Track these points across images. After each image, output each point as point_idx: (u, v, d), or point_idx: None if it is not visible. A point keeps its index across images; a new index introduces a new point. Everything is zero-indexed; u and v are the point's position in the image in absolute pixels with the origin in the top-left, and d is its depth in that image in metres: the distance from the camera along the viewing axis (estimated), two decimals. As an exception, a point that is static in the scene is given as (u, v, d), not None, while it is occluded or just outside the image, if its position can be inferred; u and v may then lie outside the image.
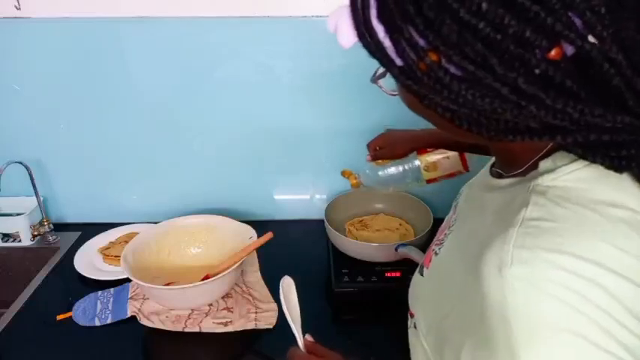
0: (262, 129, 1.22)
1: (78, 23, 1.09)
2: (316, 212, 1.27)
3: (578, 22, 0.34)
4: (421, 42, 0.38)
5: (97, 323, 0.97)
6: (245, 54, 1.13)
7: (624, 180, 0.42)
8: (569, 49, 0.35)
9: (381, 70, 0.51)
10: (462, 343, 0.44)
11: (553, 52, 0.35)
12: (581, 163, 0.43)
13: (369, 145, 1.03)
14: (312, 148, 1.25)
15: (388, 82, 0.52)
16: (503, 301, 0.39)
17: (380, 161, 1.03)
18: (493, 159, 0.58)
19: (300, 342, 0.71)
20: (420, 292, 0.60)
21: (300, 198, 1.33)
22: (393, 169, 1.01)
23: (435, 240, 0.64)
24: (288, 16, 1.09)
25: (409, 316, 0.63)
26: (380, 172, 1.02)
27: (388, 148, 1.00)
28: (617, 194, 0.41)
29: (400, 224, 1.23)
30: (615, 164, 0.40)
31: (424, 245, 1.09)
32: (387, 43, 0.40)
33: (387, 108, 1.20)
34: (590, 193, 0.41)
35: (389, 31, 0.40)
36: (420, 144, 0.98)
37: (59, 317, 0.99)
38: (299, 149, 1.26)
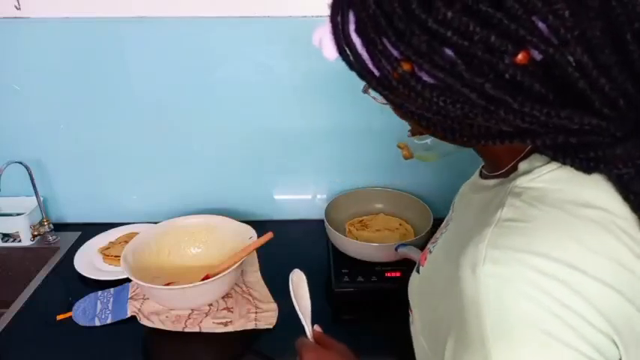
0: (262, 129, 1.22)
1: (78, 23, 1.09)
2: (316, 212, 1.27)
3: (542, 26, 0.35)
4: (394, 52, 0.40)
5: (97, 323, 0.97)
6: (245, 54, 1.13)
7: (599, 180, 0.42)
8: (536, 54, 0.36)
9: None
10: (446, 339, 0.45)
11: (520, 57, 0.36)
12: (555, 165, 0.44)
13: None
14: (312, 148, 1.25)
15: None
16: (476, 298, 0.40)
17: (418, 135, 1.03)
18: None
19: (309, 333, 0.72)
20: (416, 289, 0.61)
21: (300, 198, 1.33)
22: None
23: (432, 238, 0.65)
24: (288, 16, 1.09)
25: (410, 313, 0.64)
26: (428, 142, 1.02)
27: None
28: (590, 194, 0.42)
29: (400, 224, 1.23)
30: (584, 165, 0.41)
31: (424, 245, 1.09)
32: (364, 55, 0.42)
33: (388, 108, 1.20)
34: (563, 194, 0.42)
35: (365, 43, 0.41)
36: None
37: (59, 317, 0.99)
38: (299, 149, 1.25)
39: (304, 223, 1.32)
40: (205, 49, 1.13)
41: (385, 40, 0.40)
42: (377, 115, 1.20)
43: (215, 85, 1.16)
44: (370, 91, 0.55)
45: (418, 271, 0.61)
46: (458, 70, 0.37)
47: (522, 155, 0.47)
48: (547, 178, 0.44)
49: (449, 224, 0.61)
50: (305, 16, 1.09)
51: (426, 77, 0.39)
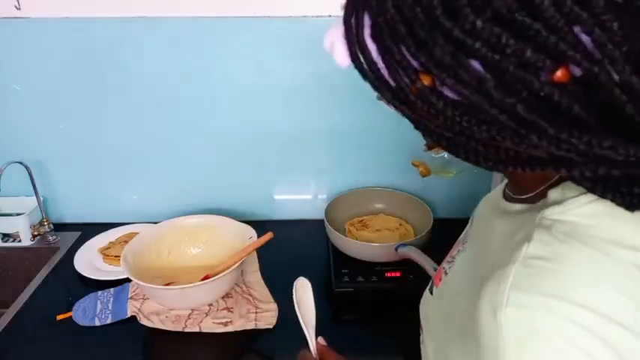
0: (262, 129, 1.22)
1: (78, 23, 1.09)
2: (316, 212, 1.27)
3: (585, 39, 0.30)
4: (413, 63, 0.35)
5: (97, 323, 0.97)
6: (245, 54, 1.13)
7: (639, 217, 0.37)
8: (577, 70, 0.31)
9: None
10: None
11: (559, 74, 0.31)
12: (591, 196, 0.39)
13: None
14: (312, 148, 1.25)
15: None
16: (495, 344, 0.37)
17: (437, 149, 1.02)
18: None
19: (312, 346, 0.70)
20: (429, 311, 0.58)
21: (300, 198, 1.33)
22: None
23: (447, 256, 0.61)
24: (288, 16, 1.09)
25: (420, 331, 0.61)
26: (446, 156, 1.01)
27: None
28: (630, 234, 0.37)
29: (400, 224, 1.23)
30: (627, 201, 0.36)
31: (424, 245, 1.10)
32: (380, 63, 0.37)
33: (388, 107, 1.20)
34: (600, 231, 0.38)
35: (381, 50, 0.37)
36: None
37: (59, 317, 0.99)
38: (299, 149, 1.25)
39: (304, 223, 1.32)
40: (205, 49, 1.13)
41: (404, 49, 0.35)
42: (377, 115, 1.20)
43: (215, 85, 1.16)
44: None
45: (431, 292, 0.58)
46: (486, 87, 0.32)
47: (553, 181, 0.43)
48: (581, 212, 0.39)
49: (466, 242, 0.57)
50: (305, 16, 1.09)
51: (448, 93, 0.35)
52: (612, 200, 0.36)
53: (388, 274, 1.05)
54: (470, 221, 0.63)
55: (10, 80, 1.15)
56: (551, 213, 0.40)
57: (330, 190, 1.32)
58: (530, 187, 0.46)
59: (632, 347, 0.34)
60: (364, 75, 0.39)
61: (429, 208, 1.19)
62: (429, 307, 0.58)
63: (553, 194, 0.42)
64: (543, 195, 0.43)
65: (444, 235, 1.06)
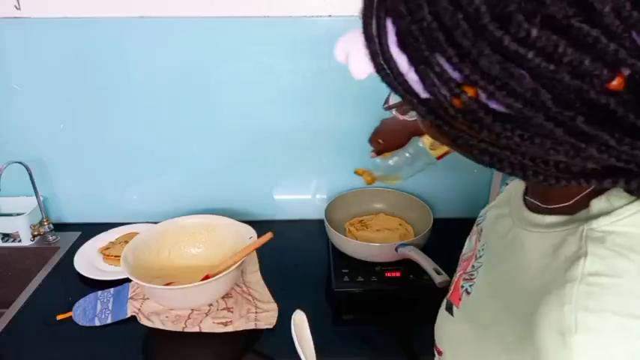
0: (262, 129, 1.22)
1: (78, 23, 1.09)
2: (316, 212, 1.27)
3: None
4: (455, 75, 0.32)
5: (97, 323, 0.97)
6: (245, 54, 1.13)
7: None
8: (630, 78, 0.29)
9: (394, 97, 0.45)
10: None
11: (615, 82, 0.29)
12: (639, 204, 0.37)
13: (370, 141, 1.04)
14: (312, 148, 1.25)
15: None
16: None
17: (385, 154, 1.03)
18: (521, 184, 0.52)
19: None
20: (450, 333, 0.56)
21: (300, 198, 1.33)
22: (401, 157, 1.01)
23: (460, 271, 0.59)
24: (288, 16, 1.09)
25: (436, 353, 0.59)
26: (390, 162, 1.02)
27: (390, 140, 1.00)
28: None
29: (400, 224, 1.23)
30: None
31: (424, 245, 1.10)
32: (411, 75, 0.34)
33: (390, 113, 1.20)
34: None
35: (414, 62, 0.34)
36: (418, 127, 0.95)
37: (59, 317, 0.99)
38: (299, 149, 1.25)
39: (304, 223, 1.32)
40: (205, 49, 1.13)
41: (442, 60, 0.32)
42: (377, 115, 1.20)
43: (215, 85, 1.16)
44: (394, 109, 0.50)
45: (451, 312, 0.55)
46: (541, 99, 0.30)
47: (590, 190, 0.40)
48: (633, 221, 0.37)
49: (482, 256, 0.55)
50: (305, 16, 1.09)
51: (495, 106, 0.32)
52: None
53: (388, 274, 1.05)
54: (477, 232, 0.60)
55: (10, 80, 1.15)
56: (600, 224, 0.38)
57: (330, 190, 1.32)
58: (562, 197, 0.43)
59: None
60: (392, 88, 0.36)
61: (429, 208, 1.19)
62: (451, 328, 0.55)
63: (598, 204, 0.39)
64: (584, 205, 0.41)
65: (444, 235, 1.07)
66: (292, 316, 0.73)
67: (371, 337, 0.95)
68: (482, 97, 0.32)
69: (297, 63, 1.14)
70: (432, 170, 1.28)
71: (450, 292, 0.58)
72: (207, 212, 1.15)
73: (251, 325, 0.96)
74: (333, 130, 1.23)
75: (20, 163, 1.17)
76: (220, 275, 0.93)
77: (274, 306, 1.00)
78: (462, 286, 0.55)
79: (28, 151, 1.22)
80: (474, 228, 0.63)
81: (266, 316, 0.98)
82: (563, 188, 0.39)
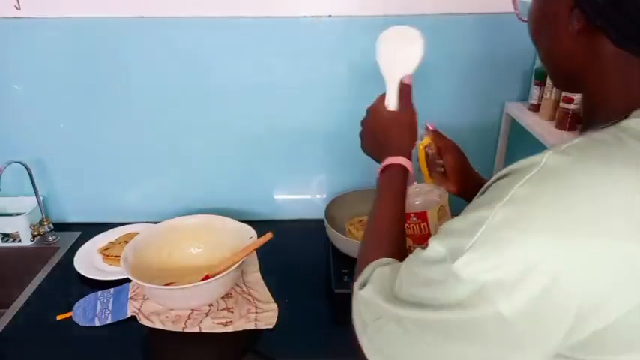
0: (262, 129, 1.22)
1: (78, 23, 1.09)
2: (316, 212, 1.27)
3: None
4: None
5: (97, 323, 0.97)
6: (245, 54, 1.13)
7: None
8: None
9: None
10: None
11: None
12: None
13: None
14: (312, 148, 1.25)
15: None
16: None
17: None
18: None
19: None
20: None
21: (300, 198, 1.33)
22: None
23: None
24: (288, 16, 1.09)
25: None
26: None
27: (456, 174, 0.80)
28: None
29: (400, 224, 1.23)
30: None
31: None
32: None
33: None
34: None
35: None
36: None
37: (59, 317, 0.99)
38: (299, 149, 1.25)
39: (304, 223, 1.32)
40: (205, 49, 1.13)
41: None
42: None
43: (215, 85, 1.16)
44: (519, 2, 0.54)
45: None
46: None
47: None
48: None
49: None
50: (305, 16, 1.09)
51: None
52: None
53: (388, 274, 1.05)
54: None
55: (10, 80, 1.15)
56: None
57: (330, 190, 1.32)
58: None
59: None
60: None
61: (429, 208, 1.19)
62: None
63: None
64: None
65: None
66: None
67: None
68: None
69: (297, 63, 1.14)
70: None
71: None
72: (207, 212, 1.15)
73: (251, 325, 0.96)
74: (333, 130, 1.23)
75: (20, 163, 1.17)
76: (220, 275, 0.93)
77: (274, 306, 1.01)
78: None
79: (28, 151, 1.22)
80: None
81: (266, 316, 0.98)
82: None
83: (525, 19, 0.54)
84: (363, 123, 0.75)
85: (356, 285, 0.54)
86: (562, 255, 0.36)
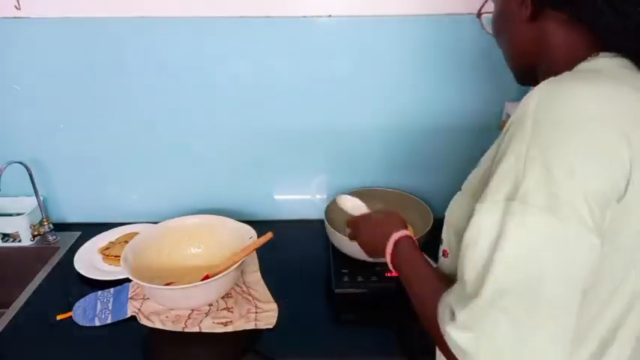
0: (262, 129, 1.22)
1: (78, 23, 1.09)
2: (316, 212, 1.27)
3: None
4: None
5: (97, 323, 0.97)
6: (245, 54, 1.13)
7: None
8: None
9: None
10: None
11: None
12: None
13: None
14: (312, 148, 1.25)
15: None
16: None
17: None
18: None
19: None
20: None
21: (300, 198, 1.33)
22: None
23: None
24: (288, 16, 1.09)
25: (441, 257, 0.71)
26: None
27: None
28: None
29: (400, 224, 1.23)
30: None
31: (424, 245, 1.09)
32: None
33: (388, 107, 1.20)
34: None
35: None
36: None
37: (59, 317, 0.99)
38: (299, 149, 1.25)
39: (304, 223, 1.32)
40: (205, 49, 1.13)
41: None
42: (377, 115, 1.20)
43: (215, 85, 1.16)
44: (483, 18, 0.64)
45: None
46: None
47: None
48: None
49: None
50: (305, 16, 1.09)
51: None
52: None
53: (388, 274, 1.05)
54: None
55: (10, 80, 1.15)
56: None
57: (330, 190, 1.32)
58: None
59: None
60: None
61: (429, 208, 1.19)
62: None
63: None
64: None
65: (444, 235, 1.07)
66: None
67: (371, 338, 0.95)
68: None
69: (297, 63, 1.14)
70: (431, 170, 1.29)
71: None
72: (207, 212, 1.15)
73: (251, 325, 0.96)
74: (332, 130, 1.23)
75: (20, 163, 1.17)
76: (220, 275, 0.93)
77: (274, 306, 1.01)
78: None
79: (28, 151, 1.22)
80: None
81: (266, 316, 0.98)
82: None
83: (490, 31, 0.65)
84: (356, 233, 0.84)
85: (448, 328, 0.50)
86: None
